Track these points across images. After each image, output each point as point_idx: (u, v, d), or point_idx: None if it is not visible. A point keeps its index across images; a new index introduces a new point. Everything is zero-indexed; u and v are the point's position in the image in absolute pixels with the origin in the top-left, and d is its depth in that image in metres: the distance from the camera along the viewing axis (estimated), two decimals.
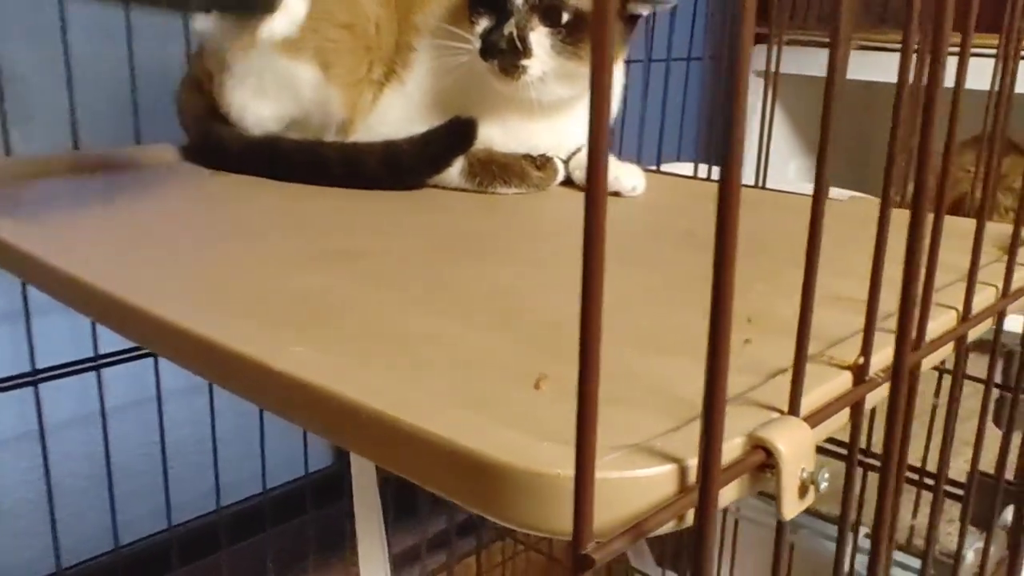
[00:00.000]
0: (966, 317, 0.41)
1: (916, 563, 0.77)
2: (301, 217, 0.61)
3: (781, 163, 1.52)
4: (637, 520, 0.25)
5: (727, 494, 0.28)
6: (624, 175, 0.69)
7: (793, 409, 0.30)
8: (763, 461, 0.28)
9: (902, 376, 0.33)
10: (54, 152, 0.80)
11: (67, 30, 0.84)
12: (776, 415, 0.30)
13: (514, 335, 0.39)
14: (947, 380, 0.73)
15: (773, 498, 0.29)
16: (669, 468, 0.26)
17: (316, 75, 0.71)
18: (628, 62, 0.81)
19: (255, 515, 1.18)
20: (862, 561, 0.87)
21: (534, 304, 0.44)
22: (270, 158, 0.71)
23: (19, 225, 0.56)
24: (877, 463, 0.78)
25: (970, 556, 0.60)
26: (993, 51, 0.65)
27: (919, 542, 0.78)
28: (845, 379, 0.34)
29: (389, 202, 0.66)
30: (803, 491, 0.28)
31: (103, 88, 0.95)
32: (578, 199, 0.68)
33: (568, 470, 0.25)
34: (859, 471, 0.85)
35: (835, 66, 0.28)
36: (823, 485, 0.28)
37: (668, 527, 0.26)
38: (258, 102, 0.73)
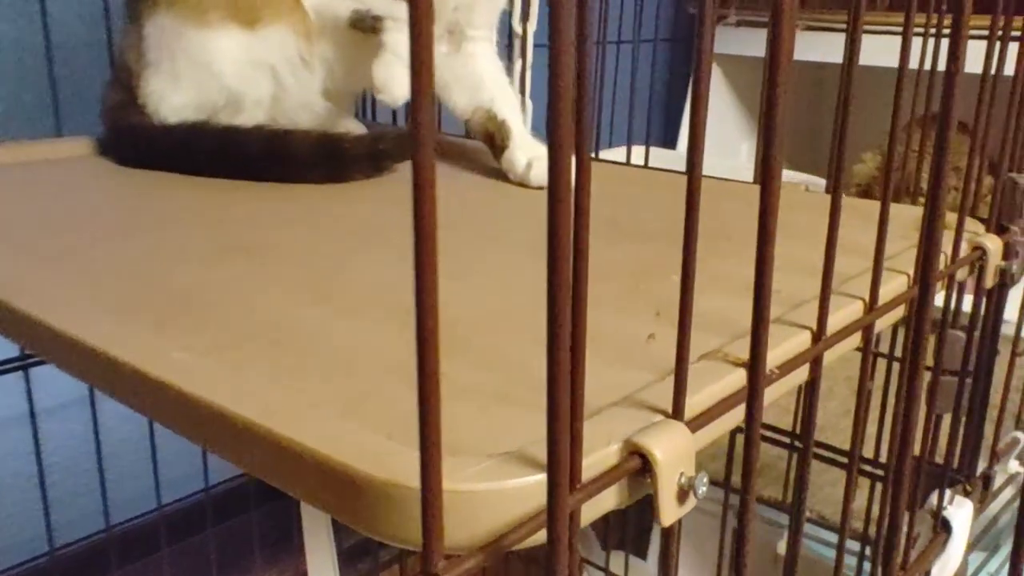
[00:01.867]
0: (872, 307, 0.40)
1: (851, 544, 0.77)
2: (208, 211, 0.59)
3: (733, 145, 1.51)
4: (497, 535, 0.24)
5: (605, 500, 0.27)
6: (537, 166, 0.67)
7: (676, 412, 0.29)
8: (639, 467, 0.27)
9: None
10: None
11: None
12: (659, 418, 0.29)
13: (403, 331, 0.38)
14: (882, 362, 0.73)
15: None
16: (535, 479, 0.25)
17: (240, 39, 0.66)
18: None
19: (197, 512, 1.16)
20: (808, 544, 0.87)
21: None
22: (185, 150, 0.67)
23: None
24: (825, 452, 0.78)
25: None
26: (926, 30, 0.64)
27: (856, 524, 0.78)
28: (739, 376, 0.33)
29: (306, 193, 0.64)
30: (682, 497, 0.28)
31: (23, 77, 0.92)
32: (491, 189, 0.67)
33: (411, 480, 0.24)
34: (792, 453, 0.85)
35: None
36: (701, 491, 0.27)
37: (536, 540, 0.25)
38: (174, 90, 0.68)
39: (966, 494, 0.61)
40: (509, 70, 0.87)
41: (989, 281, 0.49)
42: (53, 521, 0.98)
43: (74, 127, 0.82)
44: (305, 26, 0.69)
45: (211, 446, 0.32)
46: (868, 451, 0.75)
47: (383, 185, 0.67)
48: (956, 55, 0.38)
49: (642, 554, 1.13)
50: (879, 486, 0.76)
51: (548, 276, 0.21)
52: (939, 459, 0.61)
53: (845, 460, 0.75)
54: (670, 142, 1.49)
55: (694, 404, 0.30)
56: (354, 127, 0.77)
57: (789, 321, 0.38)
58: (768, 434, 0.81)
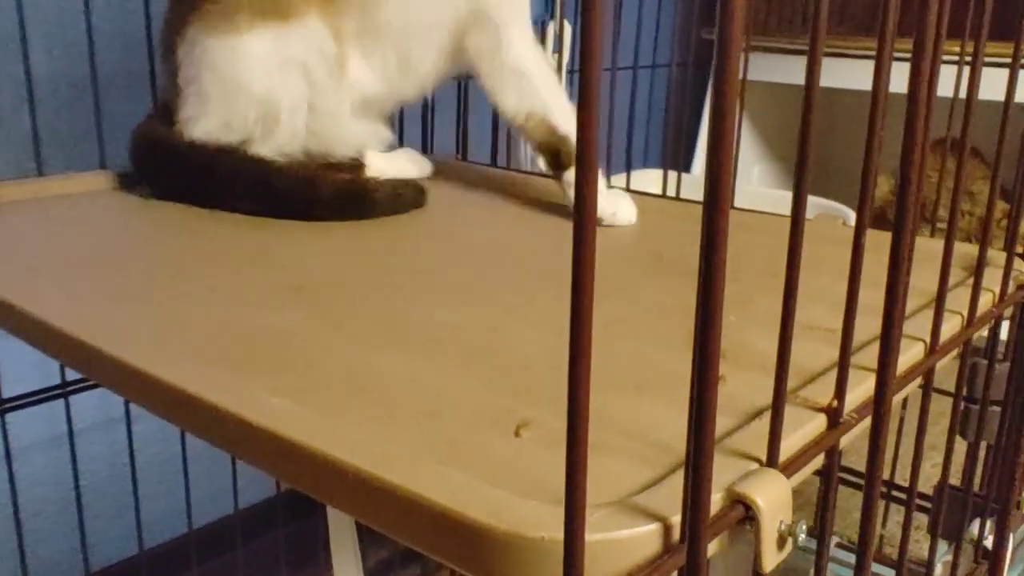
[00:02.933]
0: (933, 350, 0.41)
1: (885, 571, 0.78)
2: (250, 248, 0.60)
3: (745, 168, 1.53)
4: None
5: (711, 548, 0.29)
6: (622, 208, 0.68)
7: (772, 460, 0.30)
8: (743, 516, 0.28)
9: (883, 416, 0.33)
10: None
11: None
12: (754, 465, 0.30)
13: (485, 376, 0.39)
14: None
15: None
16: (653, 527, 0.27)
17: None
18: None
19: (227, 532, 1.17)
20: (834, 569, 0.88)
21: (501, 342, 0.44)
22: (212, 183, 0.66)
23: None
24: (852, 477, 0.79)
25: (939, 569, 0.61)
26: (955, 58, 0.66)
27: (888, 550, 0.79)
28: (820, 422, 0.34)
29: (336, 228, 0.65)
30: (781, 543, 0.29)
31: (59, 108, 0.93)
32: (540, 222, 0.69)
33: (553, 533, 0.25)
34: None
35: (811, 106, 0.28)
36: (801, 537, 0.29)
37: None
38: (204, 112, 0.67)
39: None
40: None
41: None
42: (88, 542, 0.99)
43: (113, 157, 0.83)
44: (338, 21, 0.68)
45: (315, 492, 0.33)
46: (902, 478, 0.76)
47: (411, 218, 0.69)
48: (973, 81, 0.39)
49: None
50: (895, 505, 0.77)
51: (701, 322, 0.23)
52: (978, 488, 0.62)
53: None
54: (685, 166, 1.51)
55: (782, 451, 0.32)
56: (385, 134, 0.77)
57: (854, 364, 0.39)
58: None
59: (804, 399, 0.35)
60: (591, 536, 0.26)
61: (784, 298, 0.29)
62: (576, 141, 0.21)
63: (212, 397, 0.36)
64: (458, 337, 0.44)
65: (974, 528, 0.60)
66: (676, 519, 0.27)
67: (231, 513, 1.15)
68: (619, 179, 1.09)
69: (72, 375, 0.88)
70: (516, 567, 0.26)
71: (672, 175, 0.86)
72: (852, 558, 0.90)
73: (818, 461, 0.33)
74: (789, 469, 0.31)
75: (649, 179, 1.06)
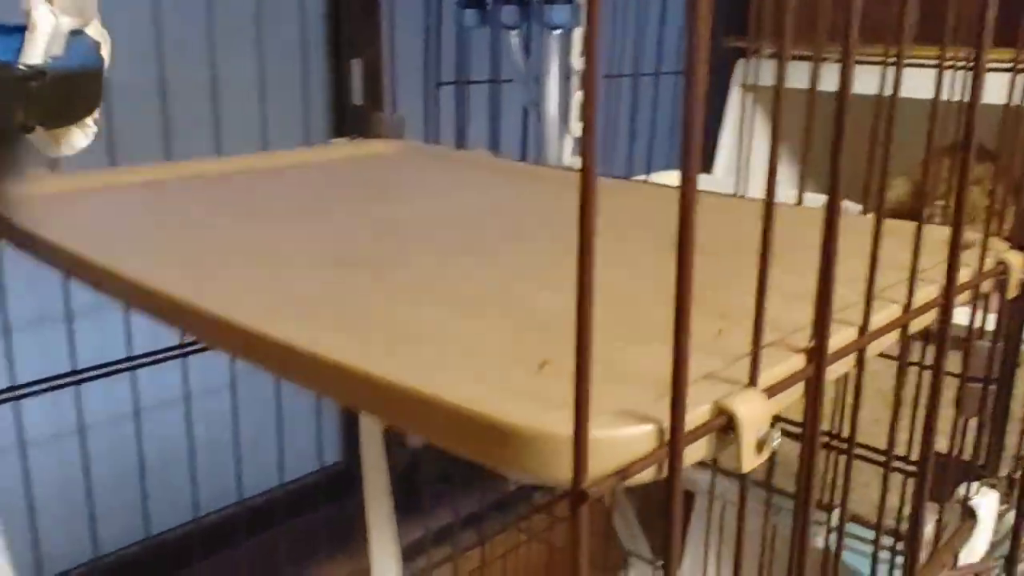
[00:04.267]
0: (907, 310, 0.47)
1: (886, 539, 0.84)
2: (298, 229, 0.68)
3: (763, 171, 1.58)
4: (622, 469, 0.32)
5: (697, 450, 0.35)
6: None
7: (752, 382, 0.36)
8: (726, 424, 0.35)
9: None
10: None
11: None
12: (739, 387, 0.37)
13: (514, 328, 0.46)
14: (913, 374, 0.80)
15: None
16: (648, 428, 0.33)
17: None
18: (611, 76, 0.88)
19: (271, 510, 1.25)
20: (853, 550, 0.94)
21: (529, 302, 0.50)
22: None
23: (85, 235, 0.62)
24: (844, 445, 0.85)
25: (929, 528, 0.66)
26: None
27: (889, 522, 0.84)
28: (800, 359, 0.40)
29: (374, 203, 0.72)
30: (760, 448, 0.35)
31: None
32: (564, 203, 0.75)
33: (566, 430, 0.32)
34: (829, 454, 0.91)
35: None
36: (775, 442, 0.35)
37: (648, 475, 0.33)
38: None
39: (992, 487, 0.68)
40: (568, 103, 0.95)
41: (1011, 292, 0.56)
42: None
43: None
44: None
45: (380, 414, 0.40)
46: (901, 452, 0.81)
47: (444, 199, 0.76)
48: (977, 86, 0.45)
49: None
50: (911, 486, 0.83)
51: (677, 275, 0.29)
52: (967, 458, 0.68)
53: (878, 457, 0.82)
54: (706, 167, 1.57)
55: (766, 378, 0.38)
56: None
57: (839, 320, 0.45)
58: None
59: (788, 344, 0.41)
60: (597, 432, 0.32)
61: (760, 263, 0.35)
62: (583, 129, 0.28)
63: (284, 338, 0.43)
64: (491, 297, 0.51)
65: (961, 491, 0.65)
66: (668, 423, 0.33)
67: (276, 488, 1.23)
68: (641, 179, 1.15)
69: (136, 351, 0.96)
70: (538, 459, 0.33)
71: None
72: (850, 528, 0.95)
73: (797, 390, 0.40)
74: (769, 392, 0.37)
75: (670, 179, 1.13)
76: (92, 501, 1.04)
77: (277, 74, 1.11)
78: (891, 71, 0.49)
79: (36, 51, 0.58)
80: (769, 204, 0.36)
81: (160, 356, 0.96)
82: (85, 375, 0.92)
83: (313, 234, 0.66)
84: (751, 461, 0.35)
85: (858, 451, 0.85)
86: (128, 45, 0.94)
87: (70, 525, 1.11)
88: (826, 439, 0.87)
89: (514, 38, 1.02)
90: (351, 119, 1.36)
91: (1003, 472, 0.72)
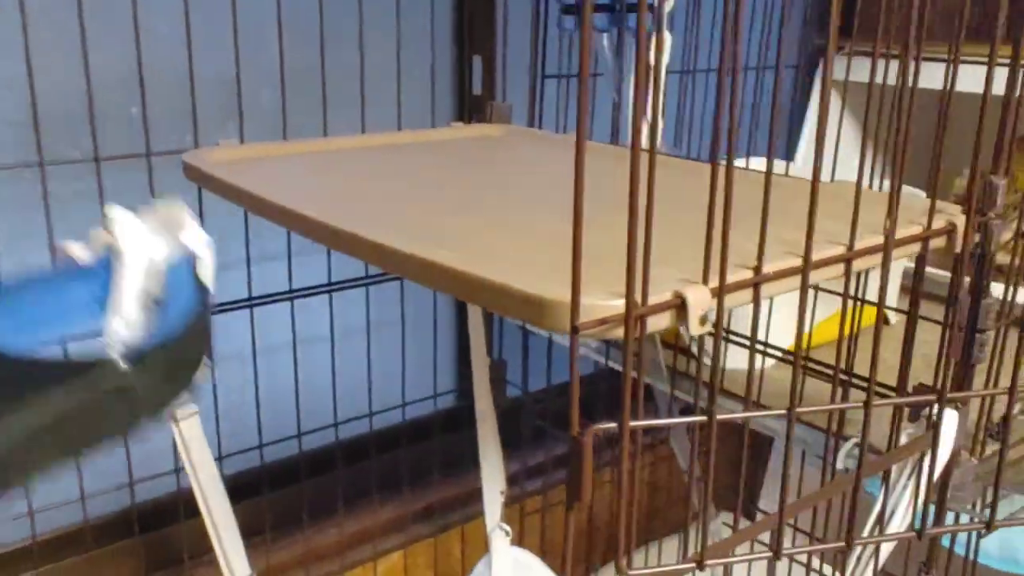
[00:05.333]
0: (850, 249, 0.65)
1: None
2: (411, 190, 0.90)
3: (848, 161, 1.72)
4: (602, 321, 0.52)
5: (660, 321, 0.54)
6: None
7: (704, 281, 0.56)
8: (680, 303, 0.54)
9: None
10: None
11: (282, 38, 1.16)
12: (693, 284, 0.56)
13: (549, 250, 0.66)
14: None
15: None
16: (619, 300, 0.53)
17: None
18: (689, 72, 1.06)
19: (396, 436, 1.49)
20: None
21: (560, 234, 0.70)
22: None
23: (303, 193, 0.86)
24: (862, 384, 1.01)
25: (904, 439, 0.83)
26: None
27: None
28: (747, 272, 0.59)
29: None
30: (703, 322, 0.54)
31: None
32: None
33: (566, 298, 0.52)
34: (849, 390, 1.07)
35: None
36: (711, 318, 0.54)
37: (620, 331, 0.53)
38: None
39: (955, 409, 0.83)
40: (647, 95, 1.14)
41: (957, 248, 0.73)
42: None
43: None
44: None
45: (459, 294, 0.61)
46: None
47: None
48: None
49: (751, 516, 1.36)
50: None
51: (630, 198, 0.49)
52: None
53: (888, 393, 0.97)
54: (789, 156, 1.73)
55: (713, 280, 0.57)
56: None
57: (789, 252, 0.64)
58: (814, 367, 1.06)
59: (743, 263, 0.60)
60: (586, 300, 0.52)
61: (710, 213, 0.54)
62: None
63: (406, 249, 0.65)
64: (545, 231, 0.71)
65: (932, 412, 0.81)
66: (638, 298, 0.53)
67: (401, 423, 1.47)
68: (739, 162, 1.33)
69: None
70: (552, 315, 0.53)
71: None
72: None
73: (744, 295, 0.58)
74: (715, 290, 0.56)
75: (756, 164, 1.30)
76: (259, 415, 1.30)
77: (411, 63, 1.35)
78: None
79: (128, 307, 0.47)
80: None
81: (313, 291, 1.21)
82: (255, 302, 1.18)
83: (429, 191, 0.88)
84: (696, 329, 0.54)
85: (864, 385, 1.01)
86: (294, 32, 1.20)
87: (242, 437, 1.37)
88: (844, 376, 1.03)
89: (604, 40, 1.21)
90: (471, 106, 1.58)
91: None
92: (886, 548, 0.85)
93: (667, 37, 1.12)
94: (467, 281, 0.59)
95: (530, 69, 1.34)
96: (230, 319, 1.24)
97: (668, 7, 1.12)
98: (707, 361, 0.58)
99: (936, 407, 0.78)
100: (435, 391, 1.50)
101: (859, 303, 0.89)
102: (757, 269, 0.59)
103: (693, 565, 0.62)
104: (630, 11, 1.14)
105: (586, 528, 1.72)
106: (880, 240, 0.68)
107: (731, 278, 0.58)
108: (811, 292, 1.04)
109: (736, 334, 1.13)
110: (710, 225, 0.56)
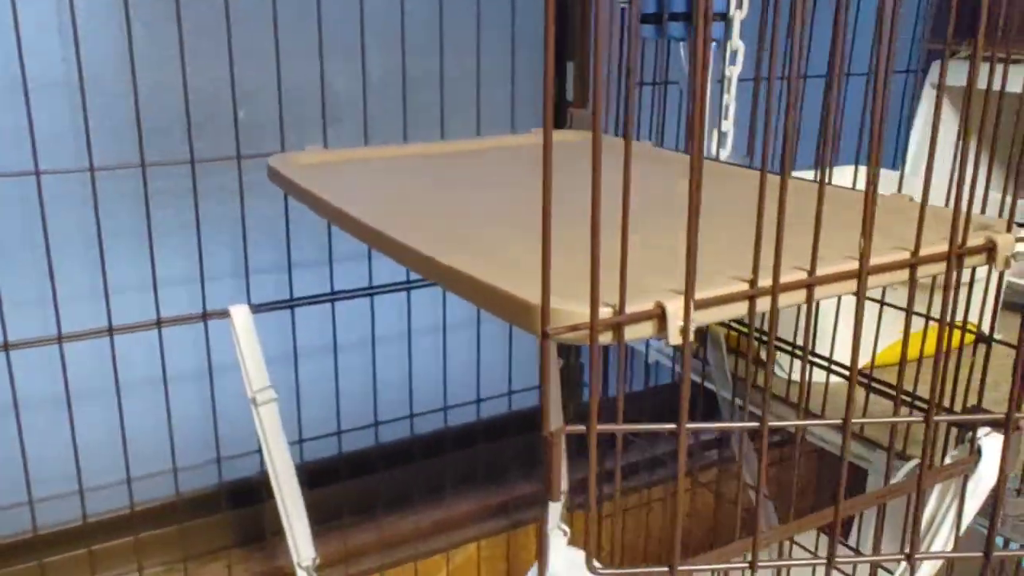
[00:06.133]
0: (862, 264, 0.64)
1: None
2: (473, 197, 0.92)
3: (948, 167, 1.64)
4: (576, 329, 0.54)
5: (642, 330, 0.55)
6: None
7: (688, 294, 0.56)
8: (660, 313, 0.55)
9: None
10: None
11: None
12: (675, 295, 0.57)
13: (567, 251, 0.68)
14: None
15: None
16: (583, 306, 0.54)
17: None
18: (800, 77, 1.05)
19: (471, 434, 1.54)
20: None
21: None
22: None
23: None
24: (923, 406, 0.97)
25: (948, 459, 0.80)
26: None
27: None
28: (742, 285, 0.59)
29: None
30: (682, 332, 0.55)
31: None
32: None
33: (537, 302, 0.54)
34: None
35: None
36: (692, 329, 0.55)
37: (607, 337, 0.54)
38: None
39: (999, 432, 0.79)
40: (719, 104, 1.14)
41: (1000, 265, 0.70)
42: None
43: None
44: None
45: (468, 296, 0.64)
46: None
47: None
48: None
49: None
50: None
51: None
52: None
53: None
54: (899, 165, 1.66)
55: (700, 294, 0.57)
56: None
57: (795, 266, 0.63)
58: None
59: (737, 276, 0.60)
60: (557, 306, 0.54)
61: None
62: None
63: (429, 253, 0.68)
64: (565, 238, 0.73)
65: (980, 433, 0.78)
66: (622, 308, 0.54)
67: (474, 421, 1.51)
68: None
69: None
70: (532, 318, 0.55)
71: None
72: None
73: (738, 308, 0.59)
74: (697, 303, 0.56)
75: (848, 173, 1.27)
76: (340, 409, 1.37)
77: (519, 67, 1.39)
78: None
79: None
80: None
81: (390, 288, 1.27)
82: (337, 296, 1.25)
83: (489, 198, 0.91)
84: (676, 339, 0.55)
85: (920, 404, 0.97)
86: (381, 43, 1.25)
87: (323, 425, 1.44)
88: (908, 398, 1.00)
89: (681, 48, 1.22)
90: (565, 113, 1.61)
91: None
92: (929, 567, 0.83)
93: (740, 46, 1.11)
94: (470, 283, 0.62)
95: (616, 76, 1.35)
96: (313, 311, 1.31)
97: (741, 16, 1.11)
98: (781, 374, 0.58)
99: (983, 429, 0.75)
100: (510, 389, 1.53)
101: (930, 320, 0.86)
102: (810, 272, 0.60)
103: (742, 560, 0.63)
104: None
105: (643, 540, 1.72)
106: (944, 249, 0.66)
107: (785, 278, 0.58)
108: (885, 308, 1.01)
109: (804, 349, 1.11)
110: (691, 246, 0.56)
